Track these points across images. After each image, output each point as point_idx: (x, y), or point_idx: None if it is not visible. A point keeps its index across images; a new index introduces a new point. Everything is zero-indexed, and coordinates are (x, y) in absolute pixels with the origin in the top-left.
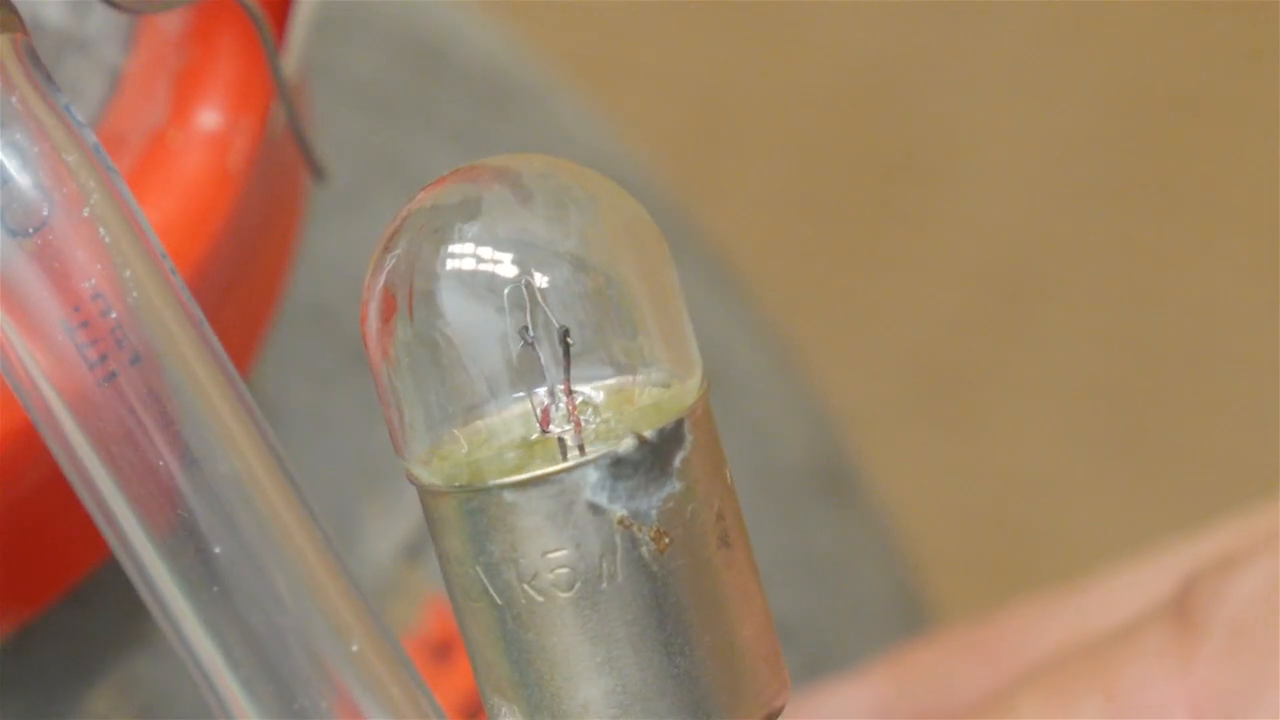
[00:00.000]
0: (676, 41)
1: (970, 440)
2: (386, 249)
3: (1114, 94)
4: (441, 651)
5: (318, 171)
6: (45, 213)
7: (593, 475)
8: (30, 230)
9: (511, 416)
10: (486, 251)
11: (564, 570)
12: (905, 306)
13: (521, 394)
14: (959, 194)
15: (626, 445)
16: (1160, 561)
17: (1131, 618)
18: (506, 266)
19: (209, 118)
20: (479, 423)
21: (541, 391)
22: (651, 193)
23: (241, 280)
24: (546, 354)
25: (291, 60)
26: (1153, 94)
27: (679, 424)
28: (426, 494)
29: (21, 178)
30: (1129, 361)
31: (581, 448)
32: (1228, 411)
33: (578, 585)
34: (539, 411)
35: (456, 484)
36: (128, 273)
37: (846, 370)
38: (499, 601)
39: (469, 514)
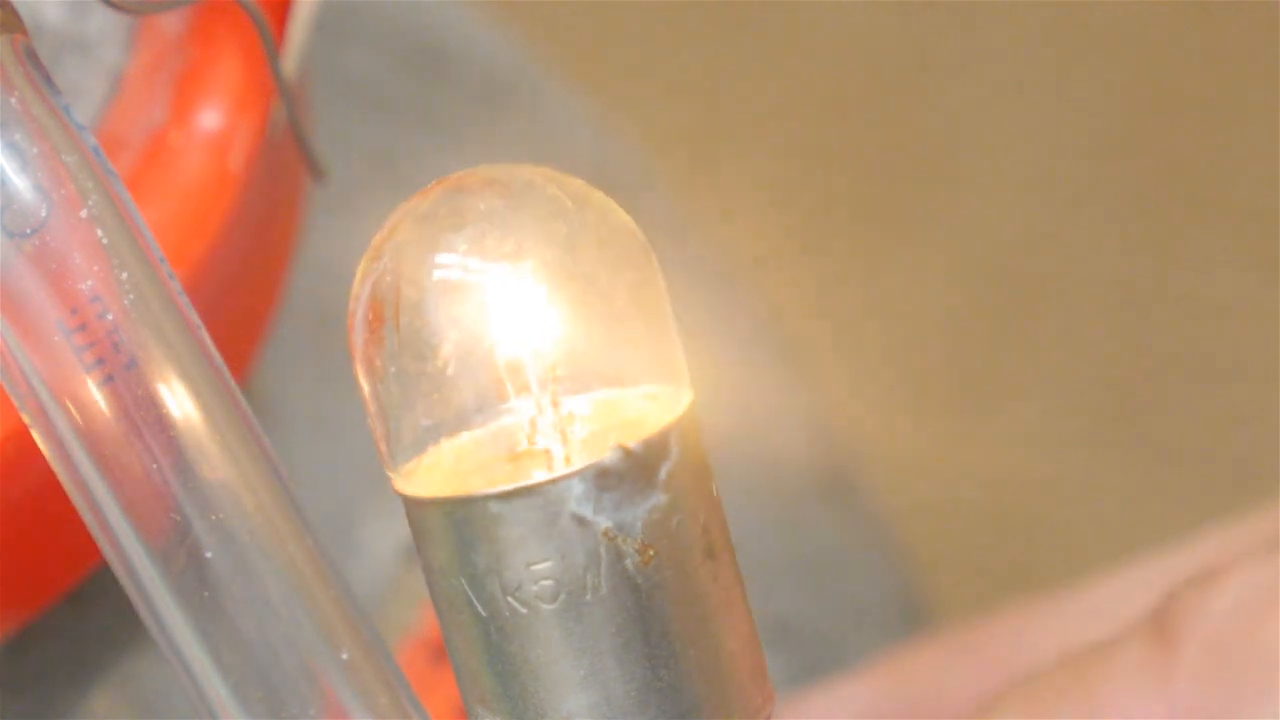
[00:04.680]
0: (676, 41)
1: (970, 440)
2: (374, 258)
3: (1114, 94)
4: (441, 652)
5: (317, 171)
6: (43, 214)
7: (578, 487)
8: (28, 231)
9: (498, 428)
10: (474, 262)
11: (548, 582)
12: (906, 306)
13: (508, 406)
14: (959, 194)
15: (611, 457)
16: (1149, 568)
17: (1115, 628)
18: (494, 278)
19: (209, 118)
20: (465, 434)
21: (528, 403)
22: (650, 193)
23: (241, 280)
24: (533, 366)
25: (291, 60)
26: (1152, 94)
27: (664, 436)
28: (412, 504)
29: (20, 179)
30: (1129, 362)
31: (567, 459)
32: (1228, 411)
33: (562, 597)
34: (526, 423)
35: (442, 494)
36: (125, 275)
37: (846, 370)
38: (483, 613)
39: (454, 525)
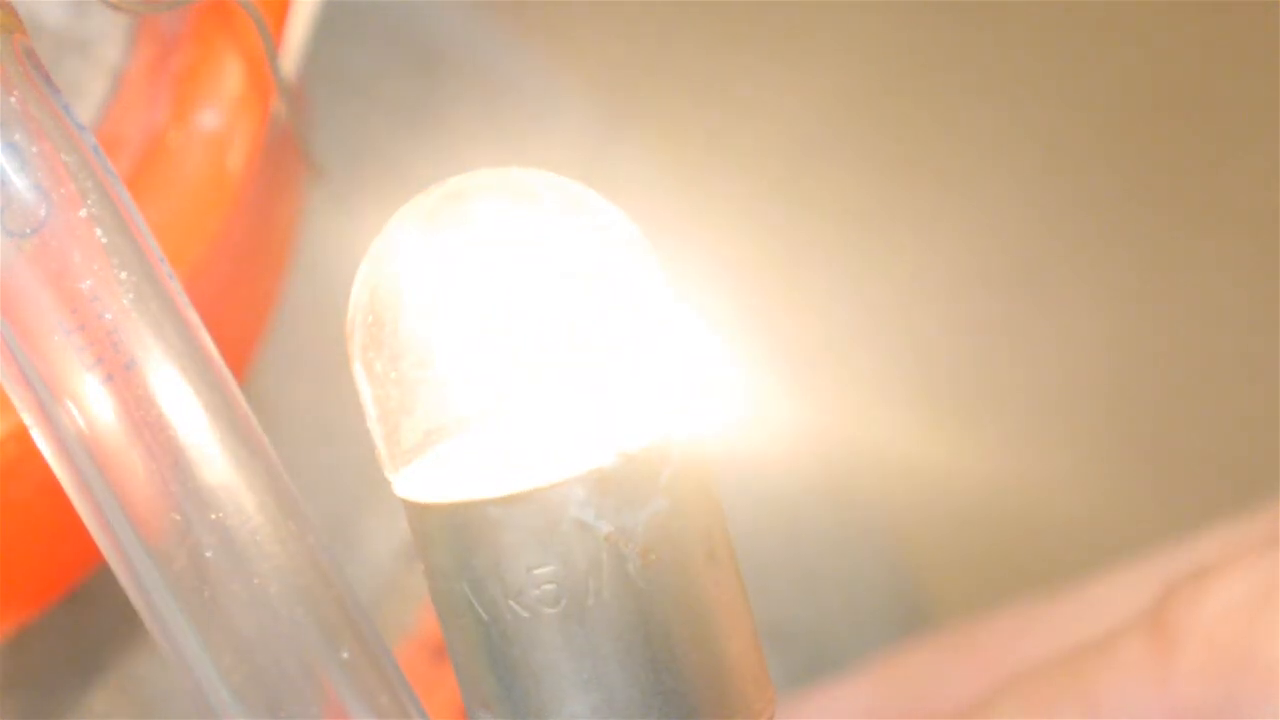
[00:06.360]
0: (676, 41)
1: (969, 441)
2: (373, 262)
3: (1114, 94)
4: (440, 652)
5: (316, 171)
6: (43, 214)
7: (579, 492)
8: (28, 231)
9: (498, 432)
10: (475, 266)
11: (550, 586)
12: (905, 307)
13: (508, 409)
14: (959, 194)
15: (612, 461)
16: (1147, 568)
17: (1111, 625)
18: (495, 280)
19: (209, 118)
20: (465, 437)
21: (528, 406)
22: (650, 194)
23: (241, 280)
24: (533, 369)
25: (291, 60)
26: (1152, 94)
27: (666, 439)
28: (412, 509)
29: (19, 178)
30: (1129, 361)
31: (568, 464)
32: (1228, 411)
33: (564, 601)
34: (526, 427)
35: (442, 499)
36: (124, 274)
37: (846, 371)
38: (485, 617)
39: (455, 529)
